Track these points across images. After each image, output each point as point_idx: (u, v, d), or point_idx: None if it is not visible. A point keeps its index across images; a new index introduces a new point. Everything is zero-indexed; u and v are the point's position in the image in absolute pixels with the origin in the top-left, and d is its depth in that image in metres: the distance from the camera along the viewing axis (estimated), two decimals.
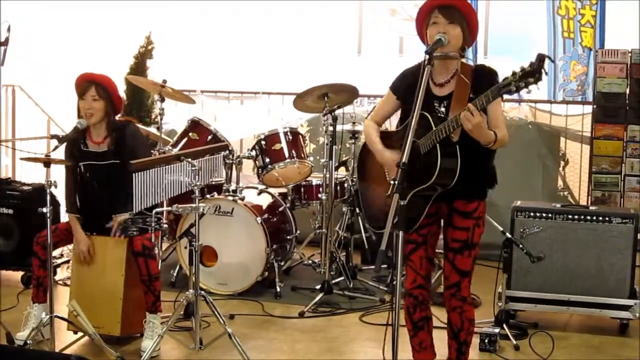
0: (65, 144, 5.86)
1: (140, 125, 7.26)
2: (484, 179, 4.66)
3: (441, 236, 4.82)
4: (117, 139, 5.93)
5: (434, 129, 4.37)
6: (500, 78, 4.28)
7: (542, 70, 3.93)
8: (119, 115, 6.11)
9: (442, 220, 4.75)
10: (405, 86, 4.65)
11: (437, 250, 4.96)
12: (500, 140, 4.39)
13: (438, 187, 4.42)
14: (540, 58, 3.93)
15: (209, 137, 7.56)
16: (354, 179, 7.92)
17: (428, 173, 4.35)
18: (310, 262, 8.12)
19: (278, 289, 7.26)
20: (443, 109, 4.54)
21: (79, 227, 5.93)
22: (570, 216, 6.39)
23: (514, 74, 4.01)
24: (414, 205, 4.40)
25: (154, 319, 5.86)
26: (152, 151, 7.27)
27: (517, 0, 10.11)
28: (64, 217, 6.12)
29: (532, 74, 3.94)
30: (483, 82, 4.43)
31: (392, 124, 5.50)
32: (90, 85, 5.86)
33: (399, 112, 4.85)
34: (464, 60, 4.63)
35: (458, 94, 4.47)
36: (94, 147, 5.96)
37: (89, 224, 5.97)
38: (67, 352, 5.68)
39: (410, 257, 4.70)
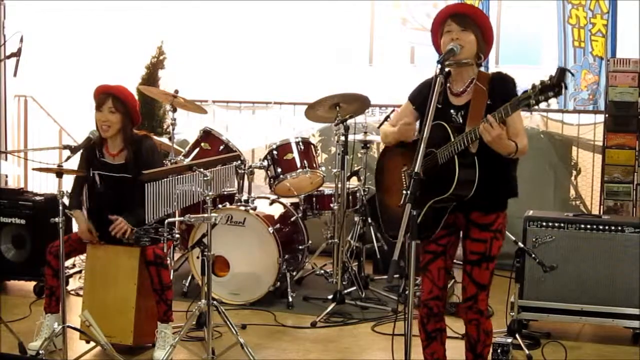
0: (81, 151, 5.87)
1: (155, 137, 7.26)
2: (503, 191, 4.63)
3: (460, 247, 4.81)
4: (132, 153, 5.93)
5: (452, 139, 4.36)
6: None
7: (562, 84, 3.90)
8: (136, 127, 6.10)
9: (460, 232, 4.74)
10: (423, 96, 4.63)
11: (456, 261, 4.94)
12: (521, 150, 4.38)
13: (456, 198, 4.40)
14: (561, 72, 3.90)
15: (221, 147, 7.58)
16: (366, 189, 7.93)
17: (446, 184, 4.33)
18: (322, 272, 8.12)
19: (290, 299, 7.26)
20: (460, 119, 4.53)
21: (78, 212, 5.96)
22: (582, 226, 6.38)
23: (533, 87, 3.98)
24: (430, 216, 4.40)
25: (166, 328, 5.87)
26: (164, 161, 7.28)
27: (528, 8, 10.11)
28: (76, 227, 6.13)
29: (552, 87, 3.92)
30: (500, 90, 4.42)
31: None
32: (108, 97, 5.86)
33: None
34: (481, 69, 4.62)
35: (475, 103, 4.46)
36: (109, 158, 5.97)
37: (100, 233, 5.97)
38: None
39: (429, 267, 4.68)
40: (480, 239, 4.61)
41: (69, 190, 5.69)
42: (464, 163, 4.34)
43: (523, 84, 4.23)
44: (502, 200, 4.65)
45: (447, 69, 4.52)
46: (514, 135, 4.39)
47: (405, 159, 4.72)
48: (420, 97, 4.67)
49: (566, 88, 3.94)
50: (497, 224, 4.62)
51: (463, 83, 4.58)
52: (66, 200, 5.47)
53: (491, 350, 5.82)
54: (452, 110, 4.57)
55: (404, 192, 3.94)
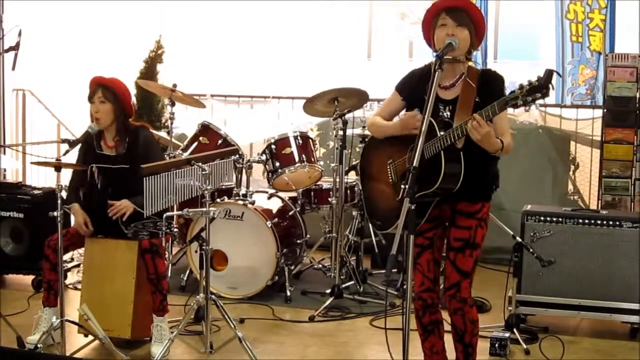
0: (80, 145, 5.87)
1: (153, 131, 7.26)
2: (487, 183, 4.66)
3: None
4: (129, 144, 5.94)
5: (438, 135, 4.37)
6: (508, 83, 4.27)
7: (550, 86, 3.92)
8: (130, 118, 6.10)
9: (446, 223, 4.75)
10: (410, 87, 4.66)
11: (443, 254, 4.95)
12: (506, 147, 4.40)
13: (441, 192, 4.42)
14: (548, 73, 3.92)
15: (219, 142, 7.58)
16: None
17: (432, 179, 4.35)
18: (320, 266, 8.13)
19: (288, 293, 7.26)
20: (448, 113, 4.55)
21: (75, 205, 5.95)
22: (580, 220, 6.38)
23: (521, 87, 4.00)
24: (416, 208, 4.41)
25: (162, 322, 5.86)
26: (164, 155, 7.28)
27: (527, 3, 10.11)
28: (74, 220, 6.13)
29: (539, 88, 3.93)
30: (489, 87, 4.45)
31: None
32: (98, 88, 5.88)
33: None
34: (470, 63, 4.63)
35: (463, 99, 4.48)
36: (107, 150, 5.97)
37: (99, 227, 5.97)
38: (77, 355, 5.71)
39: (418, 260, 4.70)
40: (465, 226, 4.64)
41: (67, 184, 5.69)
42: (450, 158, 4.37)
43: (520, 79, 4.23)
44: (487, 191, 4.68)
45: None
46: (499, 134, 4.41)
47: (390, 150, 4.75)
48: (408, 88, 4.71)
49: (553, 88, 3.95)
50: (482, 212, 4.66)
51: (453, 77, 4.59)
52: (64, 194, 5.46)
53: (489, 345, 5.87)
54: (440, 105, 4.58)
55: (402, 186, 3.96)
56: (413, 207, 3.90)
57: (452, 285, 4.69)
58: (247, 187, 7.55)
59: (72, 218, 6.04)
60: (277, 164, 7.57)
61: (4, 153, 9.84)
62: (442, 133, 4.37)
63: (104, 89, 5.88)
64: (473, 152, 4.38)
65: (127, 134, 5.96)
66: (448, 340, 4.92)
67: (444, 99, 4.59)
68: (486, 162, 4.56)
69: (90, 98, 5.90)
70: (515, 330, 6.15)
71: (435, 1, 4.61)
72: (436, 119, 4.44)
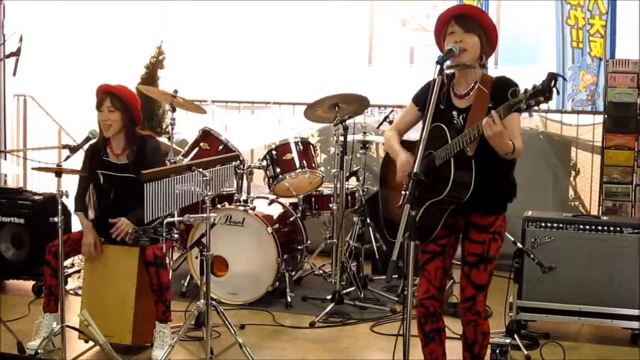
0: (85, 150, 5.87)
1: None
2: (502, 193, 4.63)
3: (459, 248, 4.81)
4: (137, 152, 5.94)
5: (450, 141, 4.36)
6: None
7: (553, 89, 3.92)
8: (138, 126, 6.10)
9: (460, 233, 4.74)
10: (426, 98, 4.63)
11: (458, 262, 4.93)
12: (517, 151, 4.36)
13: (452, 200, 4.40)
14: (551, 77, 3.92)
15: (220, 147, 7.58)
16: (365, 189, 7.93)
17: (442, 186, 4.34)
18: (321, 272, 8.12)
19: (289, 299, 7.26)
20: (462, 122, 4.52)
21: (86, 221, 5.94)
22: (581, 226, 6.39)
23: (525, 91, 4.00)
24: (430, 216, 4.40)
25: (164, 328, 5.87)
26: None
27: (527, 10, 10.11)
28: (76, 227, 6.13)
29: (542, 92, 3.93)
30: (502, 93, 4.42)
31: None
32: (106, 96, 5.89)
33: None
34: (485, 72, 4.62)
35: (477, 107, 4.45)
36: (114, 158, 5.99)
37: (102, 233, 5.97)
38: None
39: (426, 267, 4.68)
40: (479, 240, 4.61)
41: (68, 190, 5.69)
42: (460, 165, 4.34)
43: (522, 85, 4.22)
44: (501, 202, 4.65)
45: (451, 71, 4.54)
46: (511, 137, 4.38)
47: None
48: (423, 99, 4.65)
49: (558, 93, 3.95)
50: (495, 225, 4.62)
51: (467, 85, 4.57)
52: (65, 200, 5.45)
53: (490, 351, 5.85)
54: (454, 112, 4.57)
55: (403, 192, 3.96)
56: (414, 214, 3.90)
57: (467, 299, 4.69)
58: (248, 192, 7.56)
59: (75, 223, 6.04)
60: (278, 169, 7.57)
61: (5, 158, 9.85)
62: (454, 138, 4.36)
63: (112, 97, 5.89)
64: (485, 159, 4.35)
65: (135, 143, 5.96)
66: (449, 345, 4.92)
67: (458, 107, 4.58)
68: (501, 171, 4.51)
69: (99, 106, 5.91)
70: (516, 336, 6.15)
71: (443, 11, 4.62)
72: (449, 127, 4.43)
